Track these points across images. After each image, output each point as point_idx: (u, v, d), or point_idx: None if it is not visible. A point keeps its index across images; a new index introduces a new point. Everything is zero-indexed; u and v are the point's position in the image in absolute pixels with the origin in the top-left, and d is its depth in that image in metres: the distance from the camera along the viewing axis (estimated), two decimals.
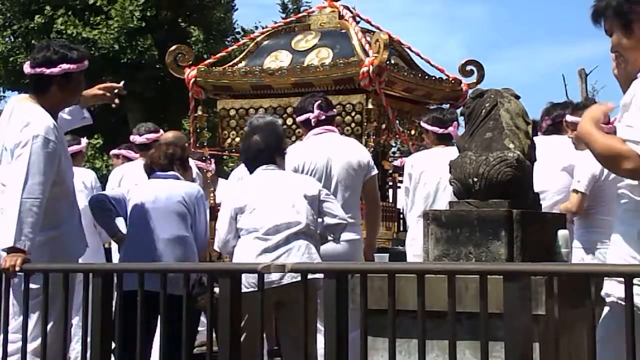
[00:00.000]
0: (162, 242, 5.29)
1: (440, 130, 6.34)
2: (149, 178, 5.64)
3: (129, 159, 7.85)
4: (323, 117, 5.73)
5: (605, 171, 5.39)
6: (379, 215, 5.76)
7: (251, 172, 5.31)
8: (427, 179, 6.15)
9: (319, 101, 5.75)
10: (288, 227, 5.01)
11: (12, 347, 4.10)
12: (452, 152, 4.66)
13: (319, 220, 5.13)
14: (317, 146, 5.58)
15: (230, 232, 5.14)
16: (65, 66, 4.49)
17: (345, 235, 5.42)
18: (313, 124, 5.72)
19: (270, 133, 5.47)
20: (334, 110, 5.86)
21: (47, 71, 4.51)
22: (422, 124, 6.63)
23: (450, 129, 6.29)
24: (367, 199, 5.76)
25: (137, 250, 5.26)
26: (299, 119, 5.82)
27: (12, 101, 4.57)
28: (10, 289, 4.10)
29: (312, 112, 5.70)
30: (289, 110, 7.58)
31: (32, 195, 4.19)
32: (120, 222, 5.59)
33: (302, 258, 4.96)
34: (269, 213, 5.07)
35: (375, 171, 5.64)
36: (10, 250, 4.11)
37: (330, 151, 5.53)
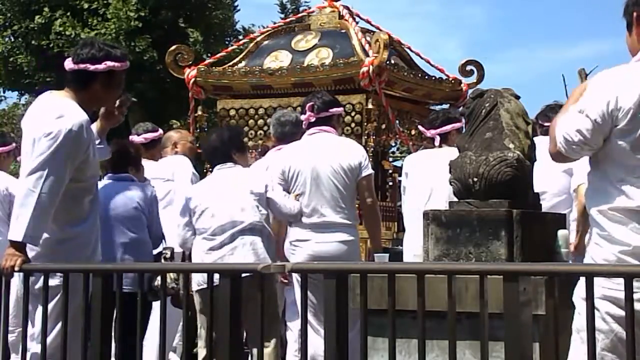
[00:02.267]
0: (120, 245, 5.38)
1: (428, 133, 6.34)
2: (101, 178, 5.68)
3: None
4: (313, 119, 5.69)
5: None
6: (375, 216, 5.69)
7: (212, 170, 5.73)
8: (424, 178, 6.14)
9: (313, 102, 5.72)
10: (233, 226, 5.38)
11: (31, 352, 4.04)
12: (451, 153, 4.66)
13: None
14: (307, 147, 5.58)
15: (187, 230, 5.54)
16: (110, 63, 4.48)
17: (340, 236, 5.43)
18: (304, 126, 5.70)
19: (226, 130, 5.84)
20: (333, 109, 5.77)
21: (92, 67, 4.47)
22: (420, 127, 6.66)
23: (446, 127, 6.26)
24: (360, 199, 5.74)
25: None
26: (301, 118, 5.83)
27: (47, 95, 4.48)
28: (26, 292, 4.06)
29: (305, 113, 5.70)
30: (289, 110, 7.59)
31: (51, 191, 4.09)
32: None
33: (247, 255, 5.30)
34: (216, 213, 5.42)
35: (368, 172, 5.59)
36: (14, 245, 4.05)
37: (319, 152, 5.52)
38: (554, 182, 5.64)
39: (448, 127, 6.22)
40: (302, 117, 5.73)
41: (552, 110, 6.03)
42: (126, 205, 5.43)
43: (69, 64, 4.44)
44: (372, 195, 5.66)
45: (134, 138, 6.91)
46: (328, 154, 5.51)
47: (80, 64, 4.43)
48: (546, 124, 5.98)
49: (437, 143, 6.25)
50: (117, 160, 5.55)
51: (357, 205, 5.78)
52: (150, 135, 6.90)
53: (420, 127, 6.61)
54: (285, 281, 5.73)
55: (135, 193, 5.49)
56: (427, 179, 6.06)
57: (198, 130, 7.87)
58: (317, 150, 5.53)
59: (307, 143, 5.61)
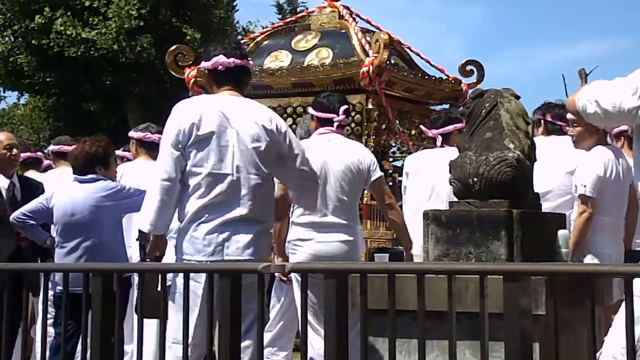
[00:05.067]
0: (86, 249, 5.43)
1: (430, 133, 6.34)
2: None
3: (128, 159, 7.83)
4: (344, 122, 5.75)
5: (609, 170, 5.38)
6: (397, 214, 5.66)
7: None
8: (423, 178, 6.14)
9: (346, 106, 5.71)
10: None
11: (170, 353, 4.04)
12: (452, 153, 4.66)
13: None
14: (317, 147, 5.56)
15: None
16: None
17: (340, 236, 5.42)
18: (335, 127, 5.63)
19: None
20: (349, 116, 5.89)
21: (250, 63, 4.74)
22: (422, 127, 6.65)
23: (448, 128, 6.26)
24: (378, 202, 5.75)
25: (65, 257, 5.48)
26: (320, 114, 5.69)
27: (231, 95, 4.60)
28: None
29: (337, 114, 5.62)
30: (289, 110, 7.59)
31: None
32: None
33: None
34: None
35: (378, 174, 5.56)
36: None
37: (328, 152, 5.50)
38: (559, 182, 5.64)
39: (450, 127, 6.22)
40: (328, 116, 5.60)
41: (544, 107, 6.02)
42: (85, 208, 5.44)
43: (233, 61, 4.59)
44: (389, 194, 5.66)
45: (133, 134, 6.88)
46: (338, 155, 5.50)
47: (244, 60, 4.67)
48: (557, 122, 5.98)
49: (439, 143, 6.24)
50: (81, 162, 5.57)
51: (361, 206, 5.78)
52: (150, 137, 6.87)
53: (422, 126, 6.61)
54: (284, 279, 5.73)
55: (94, 195, 5.49)
56: (428, 179, 6.06)
57: None
58: (327, 150, 5.51)
59: (316, 142, 5.59)
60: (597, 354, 3.28)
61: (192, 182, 4.43)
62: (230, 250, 4.37)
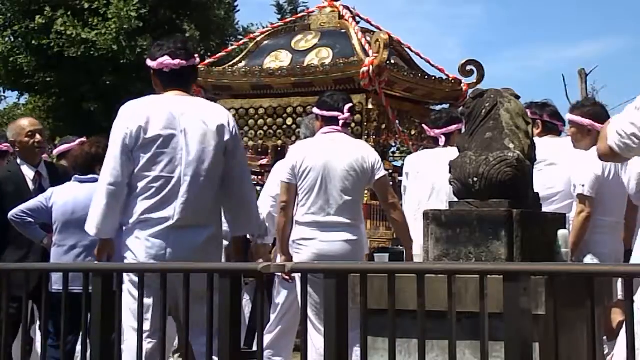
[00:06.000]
0: (85, 247, 5.42)
1: (432, 133, 6.34)
2: (65, 180, 5.74)
3: None
4: (349, 121, 5.74)
5: (607, 170, 5.37)
6: (400, 213, 5.64)
7: None
8: (423, 178, 6.14)
9: (351, 104, 5.69)
10: None
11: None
12: (451, 153, 4.66)
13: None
14: (321, 145, 5.55)
15: None
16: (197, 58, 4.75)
17: (344, 236, 5.42)
18: (340, 126, 5.61)
19: None
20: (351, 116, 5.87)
21: (197, 62, 4.71)
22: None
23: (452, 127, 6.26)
24: (381, 201, 5.73)
25: (63, 255, 5.51)
26: (324, 113, 5.67)
27: (178, 96, 4.54)
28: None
29: (343, 112, 5.60)
30: (289, 110, 7.59)
31: None
32: None
33: None
34: None
35: (382, 173, 5.54)
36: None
37: (332, 151, 5.49)
38: (567, 183, 5.63)
39: (453, 127, 6.22)
40: (333, 114, 5.58)
41: (537, 107, 6.00)
42: (85, 208, 5.45)
43: (177, 62, 4.53)
44: (392, 194, 5.66)
45: None
46: (341, 154, 5.49)
47: (192, 60, 4.63)
48: (554, 121, 5.96)
49: (442, 143, 6.24)
50: (81, 163, 5.59)
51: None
52: None
53: (424, 126, 6.60)
54: (287, 278, 5.71)
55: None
56: (428, 179, 6.06)
57: None
58: (331, 149, 5.50)
59: (321, 141, 5.58)
60: (609, 358, 3.27)
61: (140, 184, 4.39)
62: (173, 256, 4.32)
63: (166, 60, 4.51)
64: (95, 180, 5.54)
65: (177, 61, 4.51)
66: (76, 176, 5.62)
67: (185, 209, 4.36)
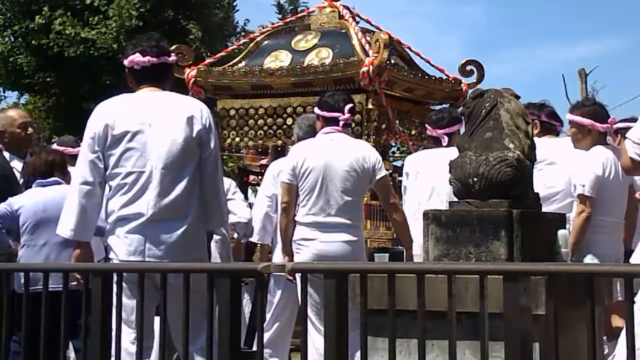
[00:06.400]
0: (55, 245, 5.45)
1: (434, 133, 6.33)
2: (29, 185, 5.74)
3: None
4: (350, 121, 5.73)
5: (608, 169, 5.38)
6: (400, 213, 5.63)
7: None
8: (423, 178, 6.14)
9: (352, 105, 5.68)
10: None
11: None
12: (451, 153, 4.66)
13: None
14: (321, 146, 5.55)
15: None
16: (174, 56, 4.71)
17: (344, 236, 5.41)
18: (340, 126, 5.59)
19: None
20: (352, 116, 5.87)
21: (170, 60, 4.63)
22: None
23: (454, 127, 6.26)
24: (382, 201, 5.73)
25: (34, 255, 5.50)
26: (325, 113, 5.63)
27: (149, 92, 4.51)
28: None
29: (343, 113, 5.59)
30: (289, 110, 7.59)
31: None
32: None
33: None
34: None
35: (383, 173, 5.53)
36: None
37: (332, 152, 5.48)
38: (567, 182, 5.63)
39: (455, 127, 6.23)
40: (334, 115, 5.56)
41: (535, 107, 6.00)
42: (58, 206, 5.46)
43: (146, 59, 4.50)
44: (393, 194, 5.65)
45: None
46: (342, 154, 5.48)
47: (161, 57, 4.57)
48: (553, 121, 5.97)
49: (444, 143, 6.24)
50: (42, 170, 5.68)
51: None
52: None
53: (427, 126, 6.59)
54: (291, 278, 5.69)
55: (63, 193, 5.51)
56: (428, 179, 6.06)
57: None
58: (331, 149, 5.50)
59: (322, 141, 5.58)
60: (609, 358, 3.28)
61: (114, 182, 4.37)
62: (152, 251, 4.29)
63: (136, 57, 4.50)
64: (58, 183, 5.64)
65: (147, 58, 4.48)
66: (38, 181, 5.67)
67: (159, 202, 4.31)
